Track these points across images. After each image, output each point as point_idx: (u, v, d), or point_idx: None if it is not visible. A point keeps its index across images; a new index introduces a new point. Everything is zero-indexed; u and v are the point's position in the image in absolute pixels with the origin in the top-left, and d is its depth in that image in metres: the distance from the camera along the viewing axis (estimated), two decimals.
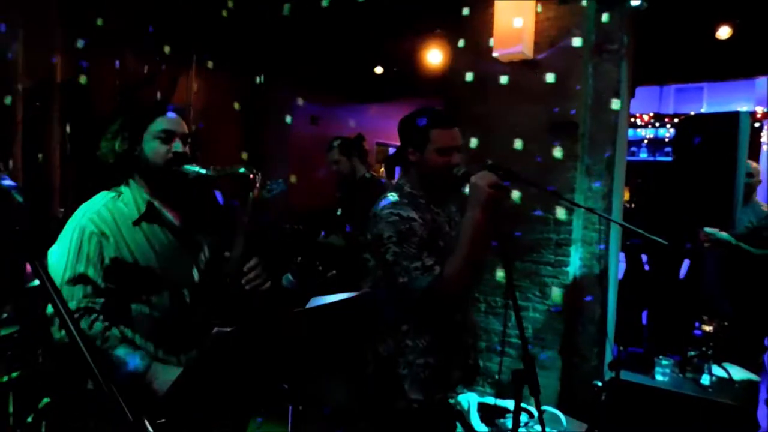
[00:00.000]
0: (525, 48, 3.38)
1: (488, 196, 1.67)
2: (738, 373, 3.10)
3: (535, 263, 3.49)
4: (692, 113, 7.28)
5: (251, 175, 1.60)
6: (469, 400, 3.15)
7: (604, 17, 3.37)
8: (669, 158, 7.84)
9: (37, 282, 0.91)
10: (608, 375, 3.36)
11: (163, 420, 1.09)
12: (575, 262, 3.47)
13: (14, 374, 2.32)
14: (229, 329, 1.23)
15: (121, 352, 1.49)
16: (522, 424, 2.89)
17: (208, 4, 4.37)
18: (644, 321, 4.59)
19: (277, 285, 3.40)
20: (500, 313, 3.60)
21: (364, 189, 3.62)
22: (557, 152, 3.38)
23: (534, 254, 3.49)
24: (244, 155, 4.97)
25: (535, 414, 1.68)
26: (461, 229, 1.74)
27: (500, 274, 3.49)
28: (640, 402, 2.94)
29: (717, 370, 3.06)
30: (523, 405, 2.85)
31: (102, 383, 0.85)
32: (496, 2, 3.50)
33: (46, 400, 2.38)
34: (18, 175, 3.44)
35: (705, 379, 3.00)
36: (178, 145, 1.64)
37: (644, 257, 4.89)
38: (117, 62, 4.11)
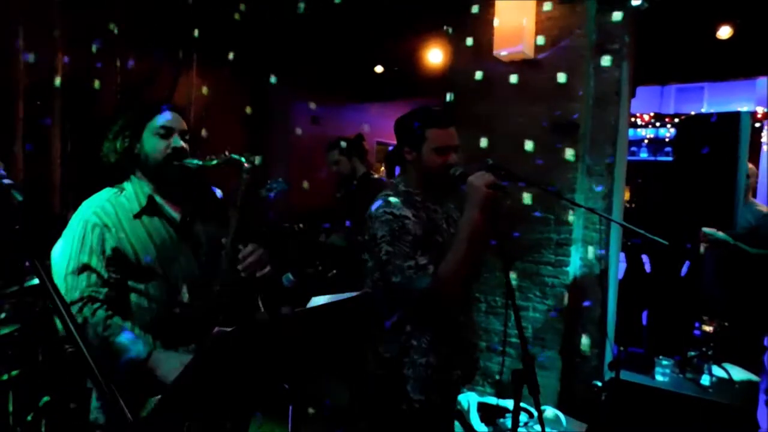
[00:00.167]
0: (526, 48, 3.38)
1: (486, 195, 1.67)
2: (738, 374, 3.09)
3: (536, 263, 3.49)
4: (692, 113, 7.28)
5: (246, 164, 1.64)
6: (469, 400, 3.15)
7: (605, 17, 3.37)
8: (669, 158, 7.84)
9: (36, 281, 0.91)
10: (608, 375, 3.36)
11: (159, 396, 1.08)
12: (576, 262, 3.47)
13: (14, 372, 2.32)
14: (229, 329, 1.22)
15: (123, 339, 1.51)
16: (522, 424, 2.89)
17: (208, 4, 4.37)
18: (644, 321, 4.59)
19: (277, 281, 3.40)
20: (500, 313, 3.60)
21: (364, 188, 3.62)
22: (558, 152, 3.38)
23: (534, 254, 3.49)
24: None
25: (535, 414, 1.68)
26: (458, 228, 1.74)
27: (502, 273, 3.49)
28: (640, 402, 2.93)
29: (717, 371, 3.06)
30: (523, 405, 2.86)
31: (102, 383, 0.85)
32: (497, 2, 3.50)
33: (45, 398, 2.39)
34: (18, 174, 3.44)
35: (705, 380, 2.99)
36: (177, 141, 1.67)
37: (645, 257, 4.90)
38: (118, 62, 4.11)
